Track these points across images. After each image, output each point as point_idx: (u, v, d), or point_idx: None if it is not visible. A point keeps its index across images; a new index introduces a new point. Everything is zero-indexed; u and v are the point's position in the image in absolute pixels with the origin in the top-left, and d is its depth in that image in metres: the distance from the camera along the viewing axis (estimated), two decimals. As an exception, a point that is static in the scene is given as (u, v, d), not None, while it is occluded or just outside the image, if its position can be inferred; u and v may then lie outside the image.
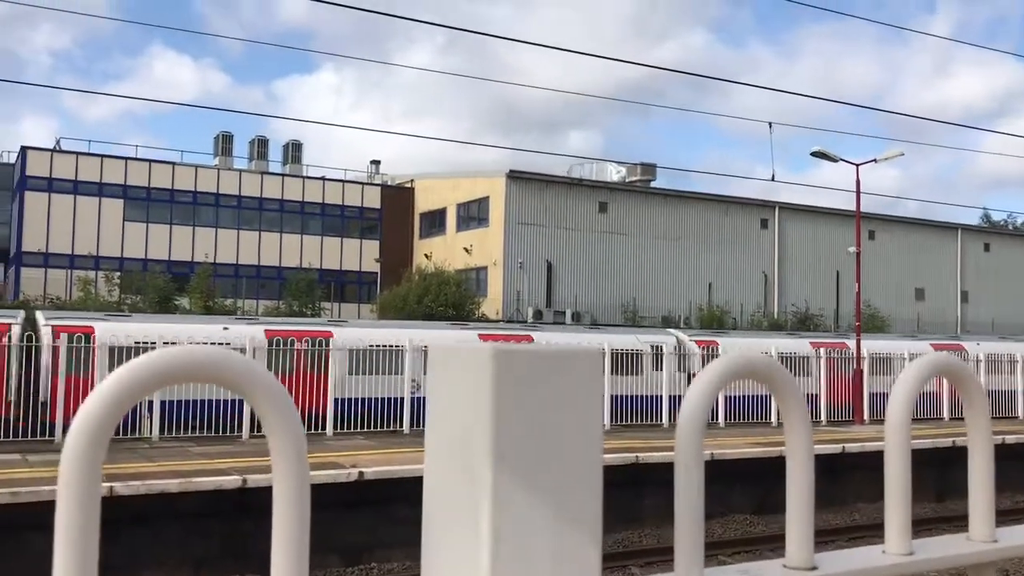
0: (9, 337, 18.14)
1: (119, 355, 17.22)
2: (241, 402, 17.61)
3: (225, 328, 20.84)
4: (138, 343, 18.06)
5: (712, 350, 24.26)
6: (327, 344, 20.21)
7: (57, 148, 49.07)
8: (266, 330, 21.07)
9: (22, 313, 20.57)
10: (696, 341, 25.64)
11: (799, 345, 26.28)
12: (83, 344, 18.07)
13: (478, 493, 0.87)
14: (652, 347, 23.71)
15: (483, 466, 0.87)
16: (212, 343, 19.20)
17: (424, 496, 0.96)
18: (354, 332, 21.67)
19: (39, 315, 20.44)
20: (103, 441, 0.75)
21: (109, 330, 19.02)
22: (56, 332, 18.71)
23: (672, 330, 28.74)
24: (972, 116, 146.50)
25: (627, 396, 21.46)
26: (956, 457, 16.57)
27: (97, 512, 0.74)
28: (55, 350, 17.94)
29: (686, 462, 1.02)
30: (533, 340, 21.88)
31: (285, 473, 0.81)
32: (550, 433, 0.90)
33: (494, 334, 23.29)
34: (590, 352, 0.93)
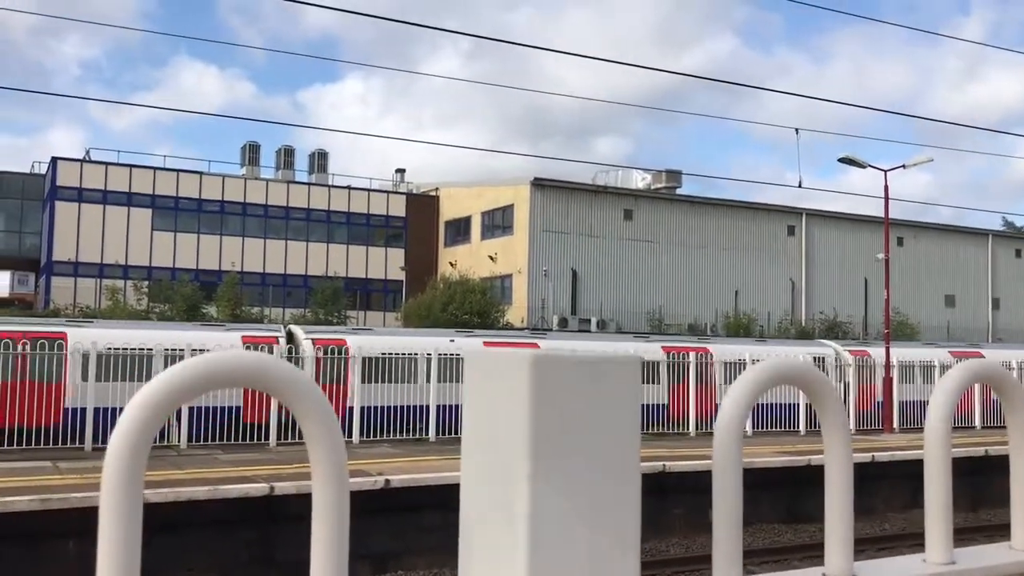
0: (278, 349, 20.04)
1: (369, 364, 19.79)
2: (267, 410, 17.81)
3: (452, 340, 22.92)
4: (384, 353, 20.36)
5: (865, 360, 25.99)
6: None
7: (87, 159, 49.71)
8: (484, 342, 23.02)
9: (282, 328, 22.80)
10: (850, 351, 27.05)
11: (940, 353, 27.22)
12: (339, 355, 20.12)
13: (515, 498, 0.86)
14: (815, 359, 25.01)
15: (520, 471, 0.86)
16: (441, 355, 20.51)
17: (461, 500, 0.95)
18: (562, 343, 23.78)
19: (296, 329, 22.42)
20: (148, 440, 0.75)
21: (358, 342, 20.93)
22: (314, 344, 20.81)
23: (827, 342, 29.73)
24: (1009, 119, 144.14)
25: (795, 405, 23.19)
26: (989, 467, 16.34)
27: (139, 512, 0.75)
28: (318, 361, 19.87)
29: (724, 468, 1.01)
30: (710, 351, 23.97)
31: (324, 480, 0.81)
32: (587, 440, 0.89)
33: (676, 346, 24.61)
34: (628, 359, 0.93)
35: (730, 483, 1.03)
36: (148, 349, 18.40)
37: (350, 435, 18.48)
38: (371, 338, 22.00)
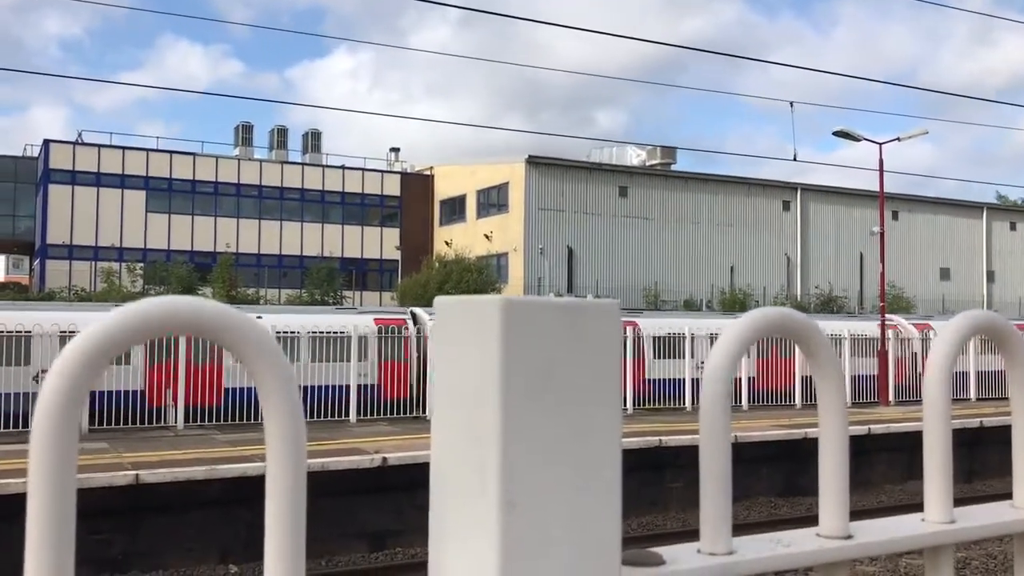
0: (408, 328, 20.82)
1: None
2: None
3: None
4: None
5: None
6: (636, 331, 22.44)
7: (79, 141, 49.42)
8: None
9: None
10: None
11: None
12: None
13: (486, 455, 0.81)
14: None
15: (491, 426, 0.80)
16: None
17: (431, 462, 0.90)
18: (652, 322, 23.62)
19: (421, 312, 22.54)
20: (82, 396, 0.69)
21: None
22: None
23: None
24: (1016, 86, 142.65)
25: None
26: (985, 438, 16.38)
27: (73, 474, 0.69)
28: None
29: (712, 423, 0.96)
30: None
31: (279, 425, 0.75)
32: (564, 391, 0.83)
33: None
34: (607, 305, 0.87)
35: (719, 439, 0.97)
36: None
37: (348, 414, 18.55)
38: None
